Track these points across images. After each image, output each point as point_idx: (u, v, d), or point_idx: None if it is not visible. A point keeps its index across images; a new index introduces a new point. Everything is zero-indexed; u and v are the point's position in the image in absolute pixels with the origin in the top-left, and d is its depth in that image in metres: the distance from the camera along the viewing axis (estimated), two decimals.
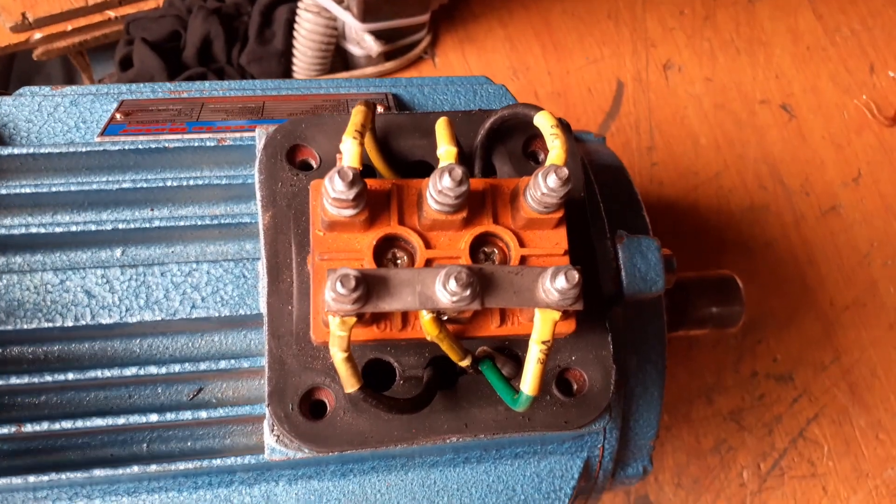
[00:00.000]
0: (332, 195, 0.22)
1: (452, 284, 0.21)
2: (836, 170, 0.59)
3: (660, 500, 0.50)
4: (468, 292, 0.21)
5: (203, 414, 0.24)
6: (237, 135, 0.28)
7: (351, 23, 0.51)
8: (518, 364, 0.25)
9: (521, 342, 0.25)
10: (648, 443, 0.32)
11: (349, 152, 0.23)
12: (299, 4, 0.53)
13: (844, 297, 0.56)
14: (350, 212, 0.22)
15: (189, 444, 0.26)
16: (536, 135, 0.27)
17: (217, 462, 0.25)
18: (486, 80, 0.35)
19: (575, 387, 0.25)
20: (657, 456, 0.51)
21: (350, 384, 0.22)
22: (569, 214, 0.25)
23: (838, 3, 0.63)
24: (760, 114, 0.59)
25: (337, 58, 0.56)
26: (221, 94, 0.32)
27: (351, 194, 0.21)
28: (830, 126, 0.60)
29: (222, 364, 0.25)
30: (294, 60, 0.55)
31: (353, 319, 0.22)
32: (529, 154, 0.27)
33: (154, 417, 0.24)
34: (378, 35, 0.52)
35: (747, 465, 0.52)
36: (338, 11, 0.51)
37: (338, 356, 0.22)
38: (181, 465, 0.25)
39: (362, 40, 0.52)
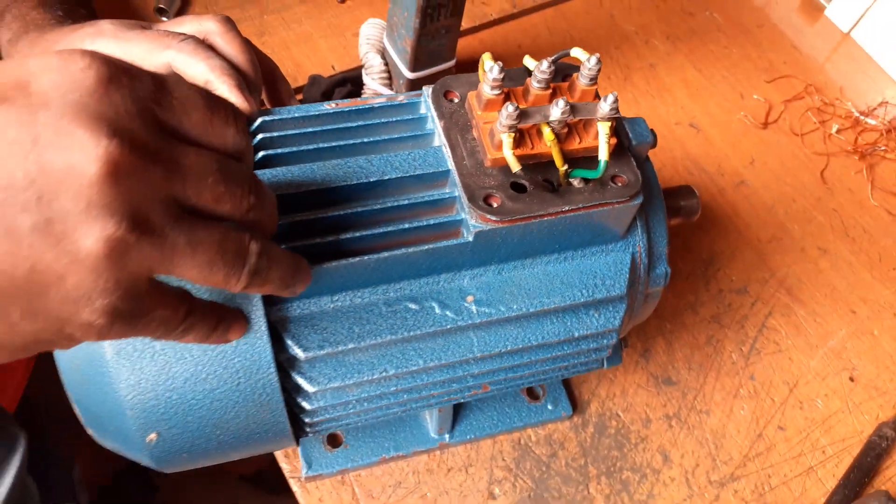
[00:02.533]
0: (490, 78, 0.44)
1: (561, 103, 0.43)
2: (737, 158, 0.85)
3: (679, 380, 0.70)
4: (568, 108, 0.43)
5: (432, 221, 0.45)
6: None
7: None
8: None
9: (592, 161, 0.46)
10: (664, 251, 0.53)
11: (490, 60, 0.46)
12: (363, 94, 0.78)
13: (766, 234, 0.80)
14: (498, 91, 0.45)
15: None
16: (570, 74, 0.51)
17: (440, 244, 0.44)
18: None
19: (620, 183, 0.47)
20: (670, 350, 0.71)
21: (515, 167, 0.43)
22: None
23: (711, 62, 0.93)
24: (677, 131, 0.86)
25: None
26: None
27: (501, 76, 0.44)
28: (725, 133, 0.87)
29: (435, 195, 0.46)
30: None
31: (514, 134, 0.43)
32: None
33: (406, 225, 0.44)
34: None
35: (733, 350, 0.72)
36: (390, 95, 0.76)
37: (508, 153, 0.43)
38: (423, 247, 0.44)
39: None
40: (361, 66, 0.78)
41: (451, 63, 0.74)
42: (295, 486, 0.59)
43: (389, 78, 0.75)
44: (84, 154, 0.24)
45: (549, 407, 0.64)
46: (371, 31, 0.76)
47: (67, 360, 0.41)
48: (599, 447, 0.65)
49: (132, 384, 0.40)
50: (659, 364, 0.70)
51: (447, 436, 0.62)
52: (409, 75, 0.72)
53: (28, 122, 0.24)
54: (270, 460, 1.44)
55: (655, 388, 0.68)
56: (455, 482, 0.61)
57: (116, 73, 0.26)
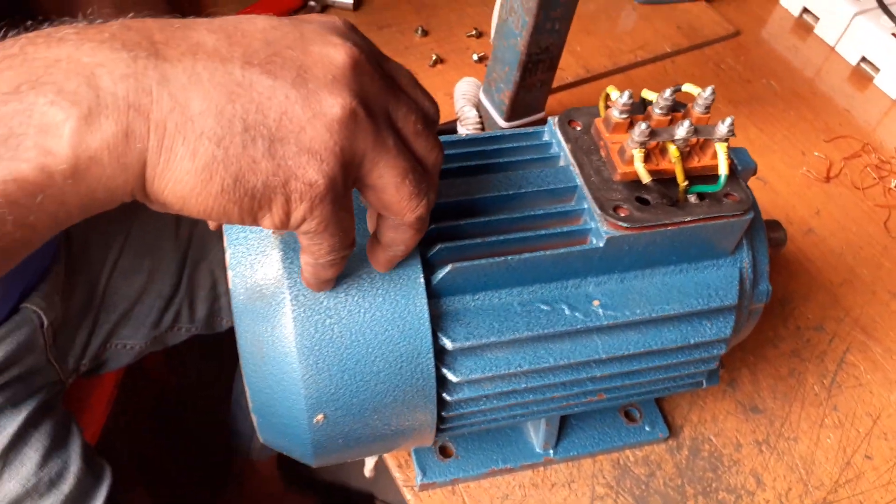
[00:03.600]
0: (620, 104, 0.50)
1: (686, 123, 0.48)
2: (803, 209, 0.90)
3: (766, 408, 0.73)
4: (692, 128, 0.49)
5: (566, 229, 0.50)
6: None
7: None
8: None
9: (707, 179, 0.52)
10: (766, 269, 0.58)
11: (616, 91, 0.51)
12: None
13: (837, 278, 0.84)
14: (625, 115, 0.50)
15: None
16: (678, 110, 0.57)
17: (574, 248, 0.49)
18: None
19: (733, 200, 0.52)
20: (755, 380, 0.74)
21: (645, 178, 0.48)
22: None
23: (771, 123, 0.99)
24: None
25: None
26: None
27: (629, 102, 0.50)
28: (791, 186, 0.92)
29: (566, 207, 0.51)
30: None
31: (644, 151, 0.49)
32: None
33: (542, 232, 0.49)
34: None
35: (815, 382, 0.75)
36: None
37: (639, 165, 0.48)
38: (559, 251, 0.49)
39: None
40: (454, 121, 0.85)
41: (542, 114, 0.80)
42: (408, 495, 0.62)
43: (482, 129, 0.82)
44: (335, 49, 0.33)
45: (647, 428, 0.67)
46: (466, 88, 0.83)
47: (249, 342, 0.46)
48: (695, 468, 0.67)
49: (311, 363, 0.44)
50: (745, 393, 0.73)
51: (551, 451, 0.65)
52: (504, 125, 0.79)
53: (297, 25, 0.34)
54: None
55: (744, 415, 0.71)
56: (559, 497, 0.64)
57: (353, 28, 0.36)
